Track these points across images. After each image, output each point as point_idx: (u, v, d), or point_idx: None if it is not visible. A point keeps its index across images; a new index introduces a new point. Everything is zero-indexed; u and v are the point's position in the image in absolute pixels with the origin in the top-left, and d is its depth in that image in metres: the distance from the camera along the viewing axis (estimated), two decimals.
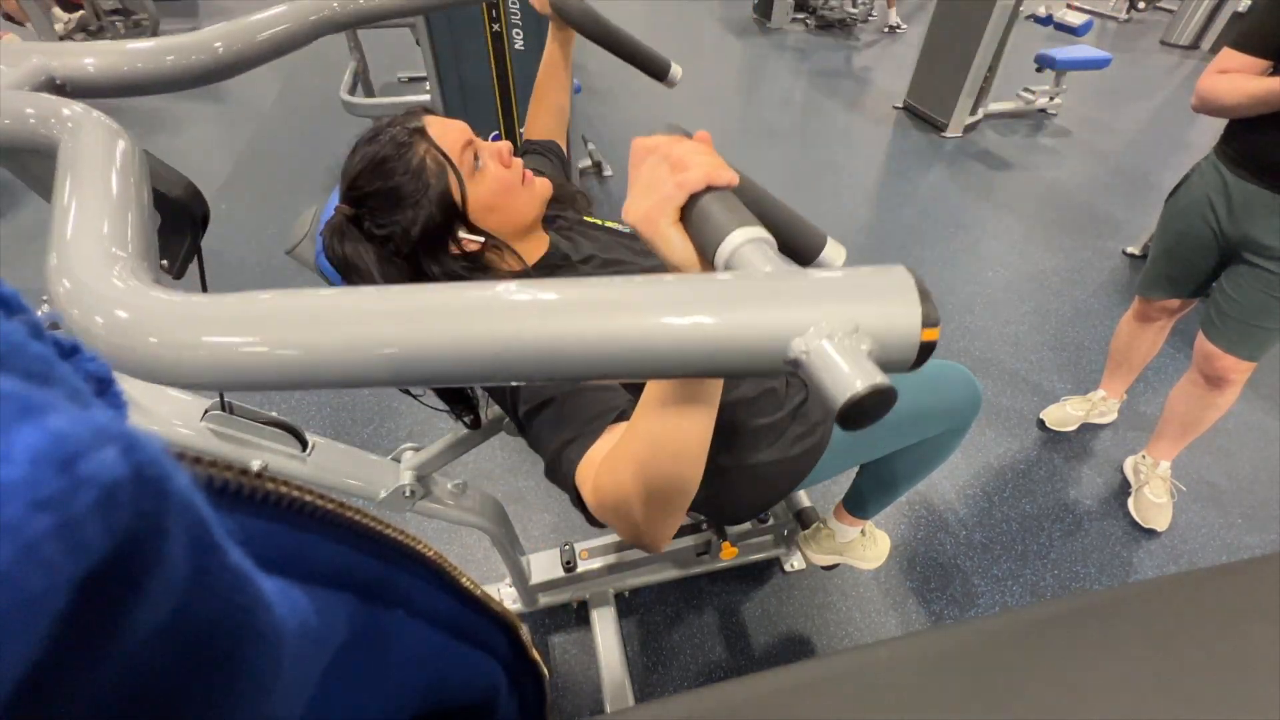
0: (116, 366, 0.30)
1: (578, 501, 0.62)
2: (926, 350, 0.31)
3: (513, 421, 0.75)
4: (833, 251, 0.51)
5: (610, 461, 0.56)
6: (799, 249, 0.51)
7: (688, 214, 0.43)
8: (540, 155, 1.05)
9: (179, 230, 0.61)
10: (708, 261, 0.41)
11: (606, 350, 0.30)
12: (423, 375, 0.31)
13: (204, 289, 0.71)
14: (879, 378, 0.28)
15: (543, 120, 1.08)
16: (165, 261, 0.62)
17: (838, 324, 0.30)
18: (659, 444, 0.50)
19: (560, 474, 0.63)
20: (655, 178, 0.45)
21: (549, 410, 0.66)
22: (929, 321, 0.31)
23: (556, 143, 1.09)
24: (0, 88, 0.53)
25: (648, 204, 0.44)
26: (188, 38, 0.67)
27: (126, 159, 0.41)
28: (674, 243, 0.43)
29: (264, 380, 0.30)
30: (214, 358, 0.30)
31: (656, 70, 0.93)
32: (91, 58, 0.62)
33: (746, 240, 0.38)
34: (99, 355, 0.17)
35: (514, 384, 0.32)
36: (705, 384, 0.47)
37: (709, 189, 0.43)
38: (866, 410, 0.29)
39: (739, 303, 0.31)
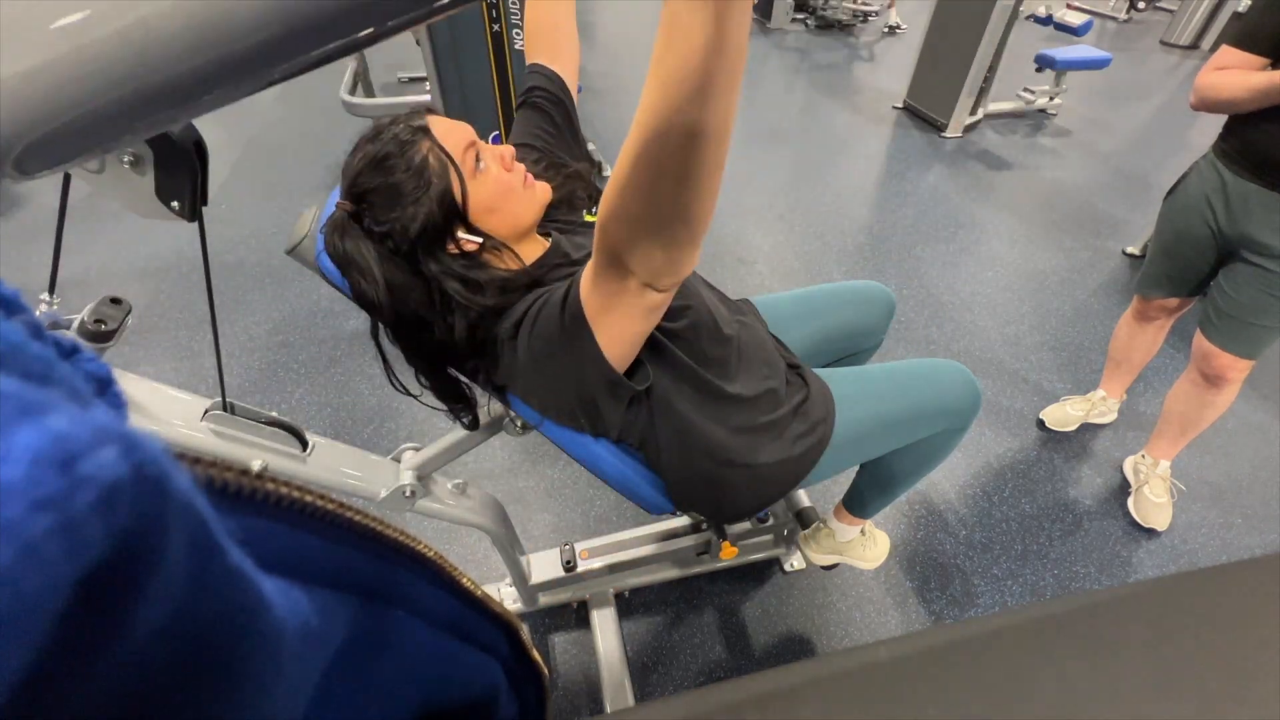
0: None
1: (595, 357, 0.67)
2: None
3: (515, 376, 0.77)
4: None
5: (608, 189, 0.52)
6: None
7: None
8: (542, 111, 0.94)
9: (177, 166, 0.60)
10: None
11: None
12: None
13: (198, 222, 0.67)
14: None
15: (548, 39, 0.94)
16: (175, 204, 0.62)
17: None
18: (662, 137, 0.44)
19: (569, 326, 0.67)
20: None
21: (543, 313, 0.71)
22: None
23: (562, 80, 0.94)
24: None
25: None
26: None
27: None
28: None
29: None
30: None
31: None
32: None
33: None
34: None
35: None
36: (718, 53, 0.41)
37: None
38: None
39: None
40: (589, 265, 0.63)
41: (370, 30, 0.24)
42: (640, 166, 0.48)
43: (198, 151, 0.61)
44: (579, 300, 0.66)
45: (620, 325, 0.66)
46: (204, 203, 0.64)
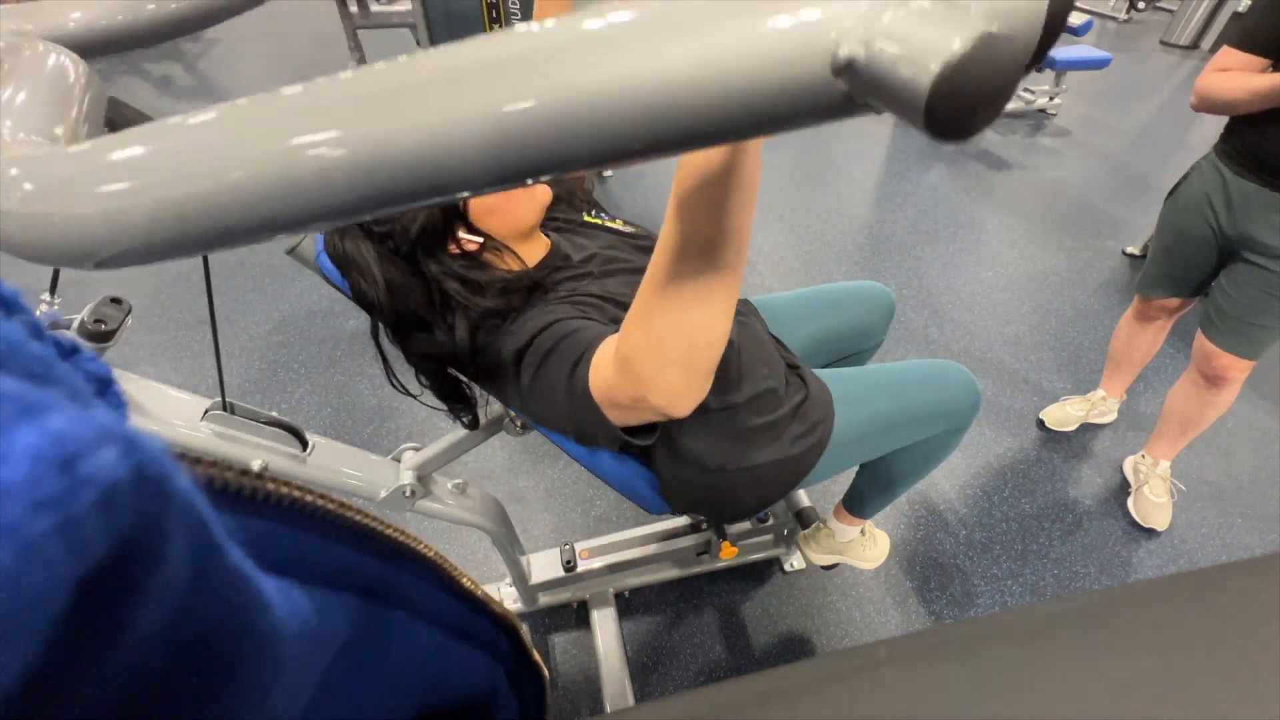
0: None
1: (601, 422, 0.62)
2: (1062, 2, 0.20)
3: (515, 397, 0.75)
4: None
5: (631, 318, 0.53)
6: None
7: None
8: None
9: None
10: None
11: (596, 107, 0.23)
12: (371, 187, 0.25)
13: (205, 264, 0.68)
14: (986, 25, 0.18)
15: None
16: None
17: None
18: (686, 267, 0.46)
19: (577, 395, 0.63)
20: None
21: (548, 360, 0.67)
22: None
23: None
24: None
25: None
26: None
27: (63, 70, 0.37)
28: None
29: (153, 236, 0.26)
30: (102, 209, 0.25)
31: None
32: (73, 12, 0.60)
33: None
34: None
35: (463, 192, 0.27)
36: (731, 176, 0.43)
37: None
38: (975, 87, 0.18)
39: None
40: (606, 369, 0.58)
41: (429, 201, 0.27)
42: (663, 302, 0.51)
43: None
44: (588, 388, 0.61)
45: (631, 421, 0.63)
46: None
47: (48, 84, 0.36)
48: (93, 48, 0.62)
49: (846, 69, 0.20)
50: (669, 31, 0.22)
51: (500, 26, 2.21)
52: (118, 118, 0.54)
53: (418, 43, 2.39)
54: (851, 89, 0.20)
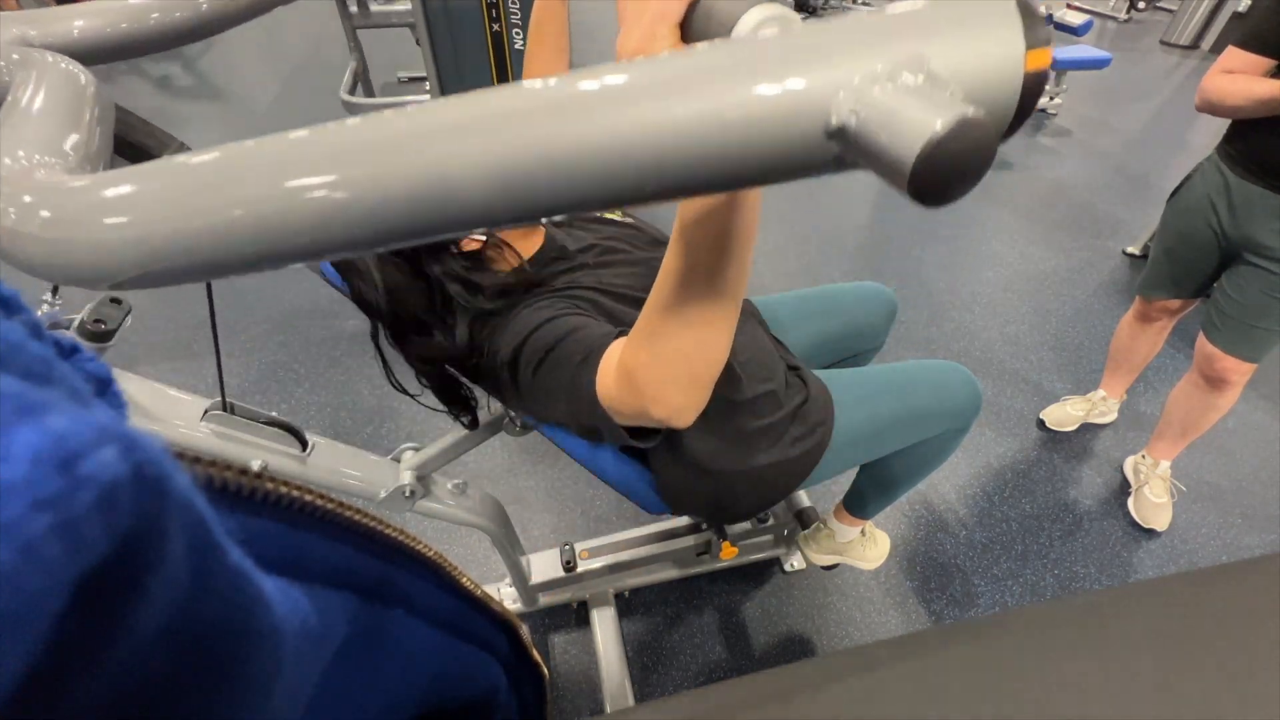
0: (18, 263, 0.28)
1: (606, 422, 0.61)
2: (1035, 85, 0.21)
3: (513, 395, 0.74)
4: None
5: (635, 335, 0.53)
6: None
7: (689, 26, 0.35)
8: None
9: None
10: None
11: (585, 161, 0.24)
12: (375, 230, 0.26)
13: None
14: (966, 109, 0.19)
15: (542, 61, 0.92)
16: None
17: (896, 62, 0.21)
18: (688, 292, 0.47)
19: (583, 398, 0.61)
20: None
21: (549, 359, 0.66)
22: (1036, 41, 0.21)
23: None
24: None
25: (640, 29, 0.36)
26: None
27: (72, 83, 0.39)
28: None
29: (178, 262, 0.26)
30: (119, 238, 0.26)
31: None
32: (77, 20, 0.60)
33: (766, 18, 0.29)
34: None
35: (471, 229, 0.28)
36: (733, 214, 0.44)
37: None
38: (955, 163, 0.19)
39: (745, 67, 0.22)
40: (609, 379, 0.58)
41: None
42: (668, 317, 0.51)
43: None
44: (595, 393, 0.60)
45: (635, 424, 0.62)
46: None
47: (57, 98, 0.38)
48: (97, 55, 0.63)
49: (838, 134, 0.22)
50: (686, 90, 0.23)
51: (500, 26, 2.19)
52: (125, 129, 0.54)
53: (417, 42, 2.39)
54: (842, 151, 0.23)
